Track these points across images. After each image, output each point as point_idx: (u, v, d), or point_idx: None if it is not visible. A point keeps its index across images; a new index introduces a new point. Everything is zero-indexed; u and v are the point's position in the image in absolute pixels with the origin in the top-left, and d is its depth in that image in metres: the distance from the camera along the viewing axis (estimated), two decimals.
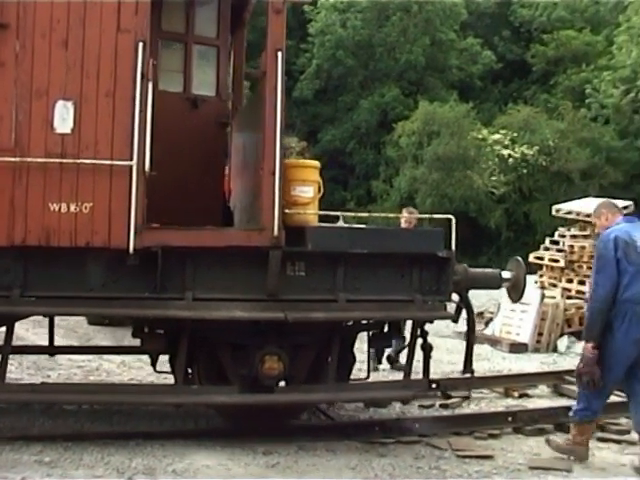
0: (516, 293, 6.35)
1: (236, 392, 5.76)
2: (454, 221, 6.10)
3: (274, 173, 5.67)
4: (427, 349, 6.29)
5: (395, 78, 29.90)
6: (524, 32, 30.09)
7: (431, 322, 6.12)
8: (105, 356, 8.99)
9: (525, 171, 28.10)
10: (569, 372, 7.99)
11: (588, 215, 14.40)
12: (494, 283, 6.38)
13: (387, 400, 6.83)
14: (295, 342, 5.93)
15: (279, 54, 5.72)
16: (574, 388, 7.60)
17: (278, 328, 5.80)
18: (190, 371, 6.18)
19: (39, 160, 5.46)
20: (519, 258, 6.43)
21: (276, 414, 6.17)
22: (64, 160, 5.48)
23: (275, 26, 5.79)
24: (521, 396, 8.08)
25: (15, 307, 5.54)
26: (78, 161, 5.49)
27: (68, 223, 5.49)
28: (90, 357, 9.05)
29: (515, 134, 27.87)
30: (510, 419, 6.82)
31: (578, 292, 13.30)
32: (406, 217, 9.16)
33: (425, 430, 6.44)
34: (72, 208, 5.50)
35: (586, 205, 16.71)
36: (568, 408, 6.86)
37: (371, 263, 5.98)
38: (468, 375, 6.67)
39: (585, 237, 14.53)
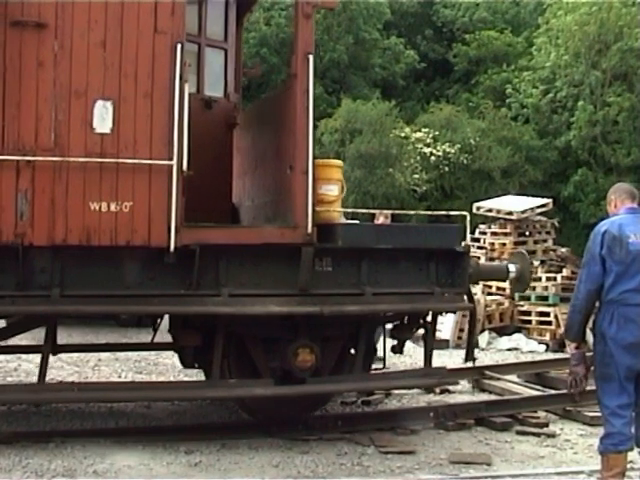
0: (521, 285, 6.93)
1: (271, 384, 6.09)
2: (468, 218, 6.64)
3: (306, 172, 6.04)
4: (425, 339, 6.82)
5: (318, 76, 30.33)
6: (446, 32, 31.14)
7: (454, 313, 6.63)
8: (24, 356, 9.06)
9: (447, 169, 29.01)
10: (490, 367, 8.58)
11: (508, 213, 15.38)
12: (501, 275, 6.95)
13: (412, 388, 7.28)
14: (324, 335, 6.31)
15: (309, 57, 6.09)
16: (494, 383, 8.40)
17: (309, 321, 6.18)
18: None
19: (79, 160, 5.64)
20: (523, 251, 7.02)
21: (302, 406, 6.53)
22: (104, 160, 5.68)
23: (304, 30, 6.15)
24: (442, 392, 8.36)
25: (56, 306, 5.70)
26: (118, 161, 5.70)
27: (108, 222, 5.69)
28: (8, 357, 9.12)
29: (437, 132, 28.73)
30: (432, 414, 7.06)
31: (499, 289, 14.04)
32: (382, 222, 9.66)
33: (347, 427, 6.63)
34: (112, 207, 5.71)
35: (506, 203, 17.73)
36: (488, 403, 7.54)
37: (392, 258, 6.43)
38: (470, 364, 7.23)
39: (505, 235, 15.43)
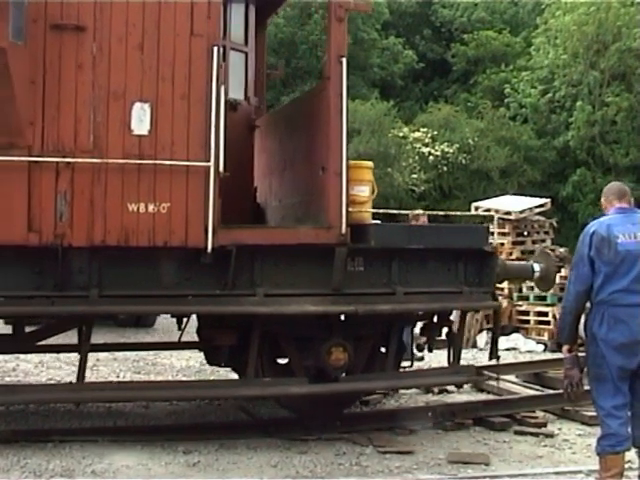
0: (545, 284, 7.06)
1: (306, 383, 6.19)
2: (496, 217, 6.74)
3: (340, 174, 6.14)
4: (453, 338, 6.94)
5: (317, 76, 30.41)
6: (445, 32, 31.38)
7: (477, 312, 6.75)
8: (22, 356, 9.12)
9: (445, 169, 29.22)
10: (488, 367, 8.46)
11: (506, 213, 15.53)
12: (526, 274, 7.07)
13: (442, 385, 7.39)
14: (357, 334, 6.42)
15: (343, 60, 6.19)
16: (493, 383, 8.29)
17: (342, 320, 6.28)
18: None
19: (118, 161, 5.72)
20: (548, 250, 7.15)
21: (335, 403, 6.63)
22: (142, 161, 5.76)
23: (337, 34, 6.25)
24: (441, 392, 8.32)
25: (94, 307, 5.78)
26: (156, 162, 5.78)
27: (146, 223, 5.77)
28: (7, 357, 9.16)
29: (435, 132, 28.92)
30: (430, 414, 7.08)
31: (496, 289, 14.14)
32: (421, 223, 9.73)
33: (346, 427, 6.64)
34: (150, 208, 5.79)
35: (504, 203, 17.87)
36: (486, 402, 7.54)
37: (421, 257, 6.55)
38: (494, 361, 7.35)
39: (504, 234, 15.57)
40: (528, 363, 10.16)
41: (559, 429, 7.10)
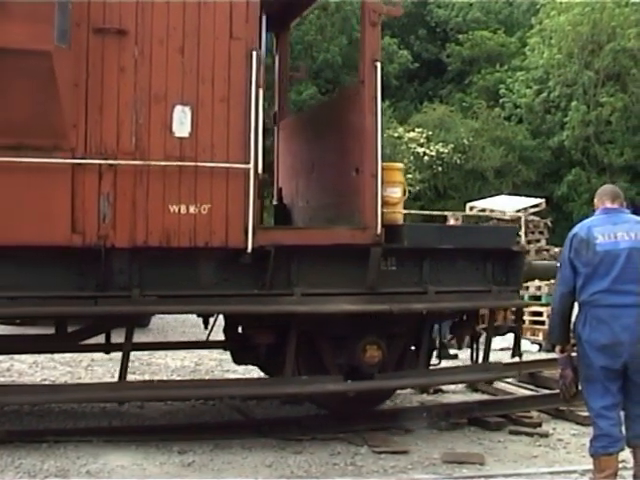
0: None
1: (341, 381, 6.34)
2: (523, 219, 6.92)
3: (375, 176, 6.29)
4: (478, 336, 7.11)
5: (312, 76, 30.60)
6: (440, 32, 31.60)
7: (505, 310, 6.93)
8: (16, 356, 9.16)
9: (440, 169, 29.39)
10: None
11: (501, 212, 15.70)
12: (552, 274, 7.22)
13: (473, 382, 7.56)
14: (389, 332, 6.57)
15: (377, 64, 6.34)
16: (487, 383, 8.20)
17: (376, 319, 6.43)
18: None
19: (160, 163, 5.84)
20: None
21: (367, 401, 6.78)
22: (183, 163, 5.88)
23: (371, 38, 6.41)
24: (436, 391, 8.36)
25: (137, 307, 5.90)
26: (197, 164, 5.90)
27: (188, 224, 5.88)
28: (1, 357, 9.19)
29: (430, 132, 29.11)
30: (425, 414, 7.11)
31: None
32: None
33: (341, 427, 6.67)
34: (191, 209, 5.90)
35: (499, 203, 18.09)
36: (481, 403, 7.60)
37: (451, 257, 6.71)
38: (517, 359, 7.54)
39: None
40: (523, 363, 10.11)
41: (554, 429, 7.16)
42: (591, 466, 4.95)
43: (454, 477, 5.72)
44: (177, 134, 5.90)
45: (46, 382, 8.45)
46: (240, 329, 7.28)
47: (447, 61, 31.17)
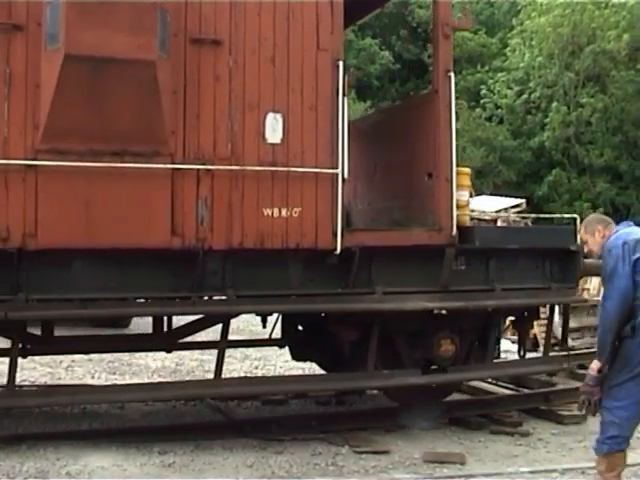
0: None
1: (419, 374, 6.80)
2: (578, 220, 7.47)
3: (450, 180, 6.77)
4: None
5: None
6: (421, 32, 32.20)
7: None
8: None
9: None
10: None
11: (482, 213, 16.26)
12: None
13: (538, 374, 8.08)
14: (460, 327, 7.05)
15: (450, 75, 6.82)
16: (469, 383, 8.26)
17: (449, 315, 6.91)
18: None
19: (255, 168, 6.22)
20: None
21: (434, 394, 7.26)
22: (276, 168, 6.27)
23: (444, 49, 6.90)
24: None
25: (233, 307, 6.29)
26: (291, 169, 6.29)
27: (280, 227, 6.28)
28: None
29: None
30: (406, 414, 7.17)
31: None
32: None
33: (322, 427, 6.84)
34: (283, 213, 6.30)
35: (480, 203, 18.73)
36: (462, 402, 7.76)
37: (513, 256, 7.23)
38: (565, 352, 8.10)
39: None
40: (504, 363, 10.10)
41: (534, 428, 7.32)
42: (571, 465, 5.38)
43: (435, 477, 5.87)
44: (270, 140, 6.29)
45: (25, 383, 8.54)
46: (300, 327, 7.75)
47: (428, 61, 31.72)
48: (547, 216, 16.57)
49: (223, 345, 6.36)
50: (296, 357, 8.05)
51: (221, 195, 6.18)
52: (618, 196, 28.40)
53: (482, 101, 30.41)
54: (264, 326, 7.78)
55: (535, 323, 8.33)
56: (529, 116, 29.95)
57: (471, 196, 7.20)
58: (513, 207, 18.41)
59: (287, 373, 9.65)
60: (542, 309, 7.89)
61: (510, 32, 29.95)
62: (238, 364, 10.35)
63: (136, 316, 7.26)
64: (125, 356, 10.32)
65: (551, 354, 8.06)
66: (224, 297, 6.26)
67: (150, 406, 7.62)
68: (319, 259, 6.51)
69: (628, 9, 27.81)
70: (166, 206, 6.03)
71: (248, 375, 9.44)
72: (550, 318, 7.51)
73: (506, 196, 21.10)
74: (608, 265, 4.75)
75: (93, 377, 9.30)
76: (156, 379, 9.16)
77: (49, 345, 7.07)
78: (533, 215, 14.43)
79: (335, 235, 6.38)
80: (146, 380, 9.11)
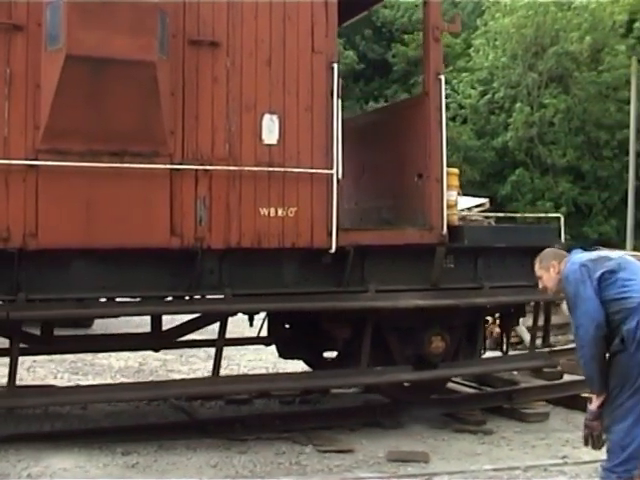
0: None
1: (411, 370, 7.02)
2: (562, 220, 7.78)
3: (440, 180, 6.99)
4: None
5: None
6: (386, 32, 32.61)
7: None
8: None
9: None
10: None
11: None
12: None
13: (525, 369, 8.34)
14: (450, 324, 7.28)
15: (441, 77, 7.05)
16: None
17: (439, 312, 7.13)
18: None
19: (252, 169, 6.37)
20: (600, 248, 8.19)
21: (427, 389, 7.48)
22: (272, 169, 6.42)
23: (435, 53, 7.12)
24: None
25: (231, 305, 6.43)
26: (287, 170, 6.45)
27: (276, 226, 6.44)
28: None
29: None
30: (370, 413, 7.36)
31: None
32: None
33: (285, 426, 6.88)
34: (280, 212, 6.46)
35: None
36: (424, 401, 7.52)
37: (500, 255, 7.49)
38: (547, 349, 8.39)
39: None
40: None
41: (497, 427, 7.42)
42: (533, 462, 5.46)
43: (399, 475, 5.92)
44: (266, 141, 6.44)
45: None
46: (287, 325, 7.91)
47: (392, 61, 32.22)
48: (510, 215, 17.04)
49: (221, 343, 6.49)
50: (283, 355, 8.22)
51: (219, 195, 6.30)
52: (580, 196, 29.09)
53: (446, 101, 30.77)
54: (251, 324, 7.93)
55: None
56: (492, 116, 30.50)
57: (459, 195, 7.43)
58: (476, 206, 18.73)
59: (251, 372, 9.76)
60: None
61: (474, 32, 30.44)
62: (202, 363, 10.45)
63: (135, 315, 7.31)
64: (88, 356, 10.29)
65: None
66: (221, 296, 6.40)
67: (113, 406, 7.61)
68: (314, 258, 6.68)
69: (590, 11, 28.52)
70: (165, 206, 6.13)
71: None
72: (536, 315, 7.77)
73: (469, 196, 21.46)
74: (570, 293, 4.52)
75: (55, 377, 9.29)
76: (119, 379, 9.20)
77: (49, 345, 7.12)
78: (497, 214, 14.76)
79: (330, 234, 6.54)
80: (109, 380, 9.15)
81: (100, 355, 10.32)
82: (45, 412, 7.28)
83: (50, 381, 8.92)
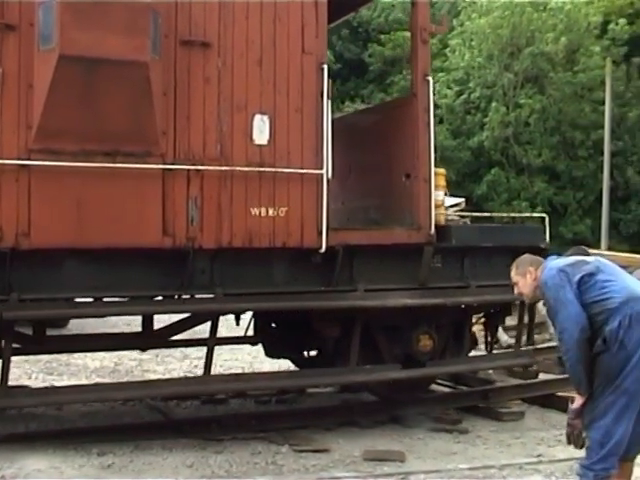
0: None
1: (399, 369, 7.13)
2: (547, 220, 7.93)
3: (428, 180, 7.12)
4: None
5: None
6: (362, 32, 32.76)
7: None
8: None
9: None
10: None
11: None
12: None
13: (511, 367, 8.48)
14: (437, 323, 7.41)
15: (428, 79, 7.17)
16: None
17: (427, 311, 7.26)
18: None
19: (243, 169, 6.44)
20: (584, 247, 8.33)
21: (412, 388, 7.60)
22: (263, 169, 6.50)
23: (423, 55, 7.25)
24: (357, 390, 8.27)
25: (222, 305, 6.50)
26: (277, 170, 6.53)
27: (267, 226, 6.52)
28: None
29: None
30: (346, 412, 7.45)
31: None
32: None
33: (261, 426, 6.90)
34: (270, 212, 6.54)
35: None
36: (400, 401, 7.57)
37: (486, 254, 7.63)
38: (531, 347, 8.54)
39: None
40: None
41: (473, 426, 7.48)
42: (508, 461, 5.57)
43: (375, 475, 5.96)
44: (257, 142, 6.51)
45: None
46: (274, 324, 8.00)
47: (369, 61, 32.39)
48: (486, 215, 17.25)
49: (212, 342, 6.56)
50: (270, 354, 8.31)
51: (211, 195, 6.37)
52: (555, 196, 29.46)
53: None
54: (237, 324, 8.00)
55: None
56: (468, 116, 30.79)
57: (445, 195, 7.55)
58: (452, 206, 18.90)
59: (227, 372, 9.62)
60: None
61: (450, 33, 30.67)
62: (177, 363, 10.48)
63: (126, 315, 7.36)
64: (63, 356, 10.23)
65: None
66: (212, 295, 6.47)
67: (88, 406, 7.56)
68: (304, 258, 6.77)
69: (565, 12, 28.88)
70: (157, 206, 6.18)
71: (188, 375, 9.46)
72: (521, 314, 7.91)
73: (447, 196, 21.65)
74: (550, 299, 4.56)
75: (30, 378, 9.26)
76: (94, 379, 9.19)
77: (40, 345, 7.14)
78: (472, 214, 14.98)
79: (320, 234, 6.64)
80: (84, 381, 9.12)
81: (75, 355, 10.27)
82: (19, 413, 7.25)
83: (25, 381, 8.87)
